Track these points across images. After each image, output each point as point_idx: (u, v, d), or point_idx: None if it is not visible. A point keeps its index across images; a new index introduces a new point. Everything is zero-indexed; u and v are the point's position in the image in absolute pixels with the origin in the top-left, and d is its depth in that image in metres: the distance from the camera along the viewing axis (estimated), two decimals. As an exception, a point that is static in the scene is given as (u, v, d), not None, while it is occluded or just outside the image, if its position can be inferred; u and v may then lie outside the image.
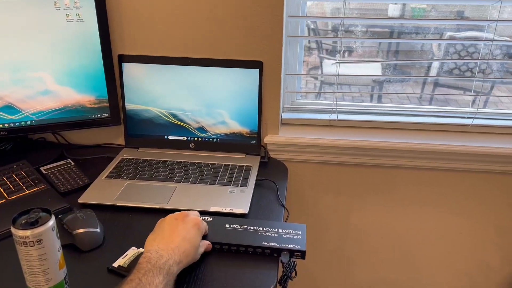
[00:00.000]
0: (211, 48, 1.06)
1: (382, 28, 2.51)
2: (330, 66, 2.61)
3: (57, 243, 0.62)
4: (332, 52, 2.88)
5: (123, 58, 1.08)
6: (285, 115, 1.19)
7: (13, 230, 0.58)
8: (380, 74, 2.57)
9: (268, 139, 1.13)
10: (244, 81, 1.06)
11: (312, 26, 2.82)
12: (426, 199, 1.22)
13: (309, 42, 2.91)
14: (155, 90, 1.08)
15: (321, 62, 2.93)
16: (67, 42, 0.99)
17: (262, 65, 1.05)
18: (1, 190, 0.90)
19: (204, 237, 0.78)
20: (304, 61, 1.24)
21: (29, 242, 0.59)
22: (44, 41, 0.98)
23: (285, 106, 1.21)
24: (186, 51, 1.07)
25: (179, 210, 0.85)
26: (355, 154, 1.15)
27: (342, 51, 1.15)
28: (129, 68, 1.08)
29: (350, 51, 2.74)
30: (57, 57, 1.00)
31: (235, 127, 1.10)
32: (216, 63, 1.06)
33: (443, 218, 1.25)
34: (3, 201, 0.87)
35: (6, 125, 1.02)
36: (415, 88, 3.03)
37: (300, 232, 0.81)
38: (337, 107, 1.20)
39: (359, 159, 1.16)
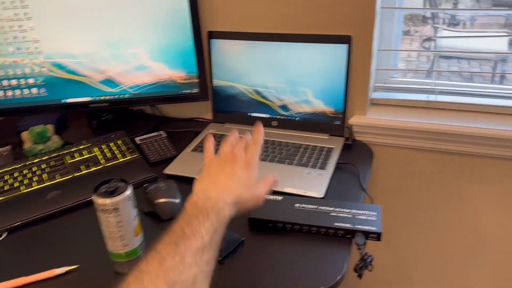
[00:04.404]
0: (298, 22, 1.02)
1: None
2: (448, 39, 2.34)
3: (133, 212, 0.67)
4: (451, 24, 2.57)
5: (212, 35, 1.09)
6: (375, 95, 1.11)
7: (94, 198, 0.64)
8: (507, 50, 2.23)
9: (354, 120, 1.07)
10: (331, 57, 1.00)
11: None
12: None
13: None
14: (240, 67, 1.08)
15: (435, 33, 2.65)
16: (160, 19, 1.04)
17: (351, 40, 0.98)
18: (100, 156, 0.99)
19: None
20: (417, 32, 1.11)
21: (107, 209, 0.64)
22: (140, 19, 1.03)
23: (376, 84, 1.12)
24: (273, 27, 1.05)
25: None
26: (454, 141, 1.02)
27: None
28: (217, 45, 1.09)
29: (471, 21, 2.43)
30: (151, 34, 1.05)
31: (319, 106, 1.05)
32: (302, 39, 1.01)
33: None
34: (100, 167, 0.96)
35: (107, 97, 1.12)
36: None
37: (375, 213, 0.76)
38: (437, 87, 1.07)
39: (458, 147, 1.03)
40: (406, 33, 1.12)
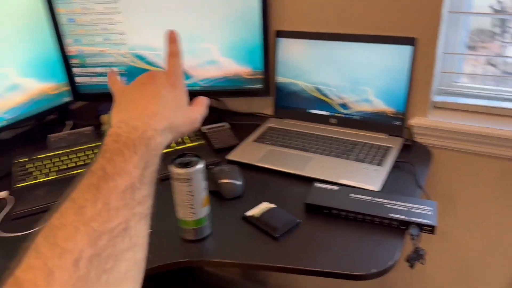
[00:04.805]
0: (363, 23, 1.06)
1: None
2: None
3: (203, 184, 0.74)
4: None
5: (279, 34, 1.16)
6: (438, 98, 1.11)
7: (170, 168, 0.72)
8: None
9: (415, 121, 1.08)
10: (394, 58, 1.03)
11: (496, 7, 2.46)
12: None
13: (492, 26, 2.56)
14: (304, 65, 1.14)
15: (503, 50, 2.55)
16: (232, 17, 1.12)
17: (415, 42, 1.00)
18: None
19: (326, 204, 0.81)
20: (484, 47, 1.10)
21: (181, 179, 0.71)
22: (214, 16, 1.12)
23: (440, 87, 1.13)
24: (338, 27, 1.09)
25: (312, 178, 0.91)
26: (519, 148, 1.00)
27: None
28: (284, 43, 1.15)
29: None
30: (223, 31, 1.14)
31: (380, 105, 1.08)
32: (366, 39, 1.05)
33: None
34: (171, 149, 1.05)
35: (180, 88, 1.21)
36: None
37: (431, 208, 0.78)
38: (502, 94, 1.06)
39: (523, 155, 1.01)
40: (472, 48, 1.11)
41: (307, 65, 1.13)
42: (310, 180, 0.91)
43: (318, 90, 1.14)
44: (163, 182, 0.94)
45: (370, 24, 1.05)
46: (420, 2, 0.97)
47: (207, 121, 1.22)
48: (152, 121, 0.49)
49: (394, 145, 1.03)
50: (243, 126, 1.22)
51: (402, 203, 0.80)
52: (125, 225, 0.39)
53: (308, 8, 1.11)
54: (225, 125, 1.20)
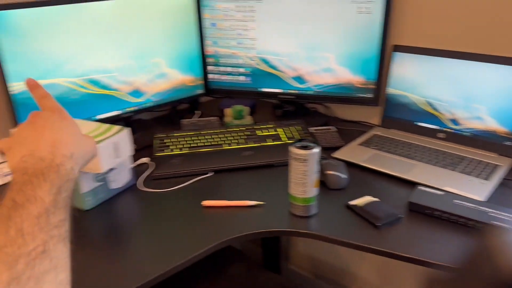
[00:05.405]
0: (483, 43, 1.09)
1: None
2: None
3: (316, 167, 0.84)
4: None
5: (397, 48, 1.23)
6: (558, 124, 1.08)
7: (291, 148, 0.83)
8: None
9: (529, 144, 1.06)
10: (513, 79, 1.04)
11: None
12: None
13: None
14: (417, 78, 1.19)
15: None
16: (352, 30, 1.22)
17: (538, 64, 1.00)
18: (283, 135, 1.21)
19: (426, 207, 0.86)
20: None
21: (299, 159, 0.82)
22: (336, 28, 1.23)
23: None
24: (456, 45, 1.13)
25: (415, 183, 0.96)
26: None
27: None
28: (400, 57, 1.22)
29: None
30: (342, 42, 1.24)
31: (492, 124, 1.08)
32: (485, 59, 1.07)
33: None
34: (282, 142, 1.18)
35: (294, 91, 1.34)
36: None
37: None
38: None
39: None
40: None
41: (420, 79, 1.18)
42: (413, 184, 0.96)
43: (429, 104, 1.18)
44: (276, 168, 1.07)
45: (491, 44, 1.07)
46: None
47: (314, 123, 1.34)
48: (57, 149, 0.50)
49: (504, 164, 1.03)
50: (348, 131, 1.30)
51: (507, 214, 0.81)
52: (43, 247, 0.40)
53: (429, 25, 1.17)
54: (332, 128, 1.30)
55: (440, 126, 1.17)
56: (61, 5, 1.04)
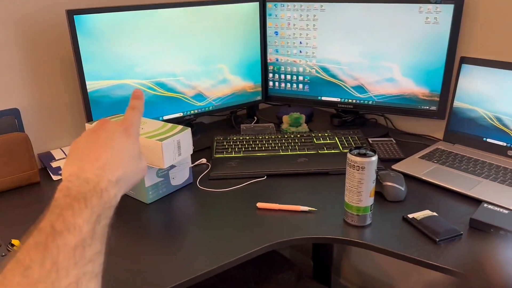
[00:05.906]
0: None
1: None
2: None
3: (374, 176, 0.83)
4: None
5: (464, 60, 1.18)
6: None
7: (348, 155, 0.83)
8: None
9: None
10: None
11: None
12: None
13: None
14: (486, 92, 1.13)
15: None
16: (419, 40, 1.19)
17: None
18: (339, 144, 1.20)
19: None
20: None
21: (356, 166, 0.81)
22: (400, 37, 1.21)
23: None
24: (532, 58, 1.06)
25: (478, 200, 0.91)
26: None
27: None
28: (468, 69, 1.17)
29: None
30: (407, 51, 1.21)
31: None
32: None
33: None
34: (338, 151, 1.17)
35: (354, 101, 1.33)
36: None
37: None
38: None
39: None
40: None
41: (489, 93, 1.12)
42: (475, 201, 0.91)
43: (498, 119, 1.11)
44: (331, 176, 1.06)
45: None
46: None
47: (373, 134, 1.31)
48: (105, 172, 0.47)
49: None
50: (408, 144, 1.26)
51: None
52: (75, 285, 0.38)
53: (498, 37, 1.11)
54: (391, 140, 1.26)
55: (510, 143, 1.10)
56: (135, 11, 1.12)
